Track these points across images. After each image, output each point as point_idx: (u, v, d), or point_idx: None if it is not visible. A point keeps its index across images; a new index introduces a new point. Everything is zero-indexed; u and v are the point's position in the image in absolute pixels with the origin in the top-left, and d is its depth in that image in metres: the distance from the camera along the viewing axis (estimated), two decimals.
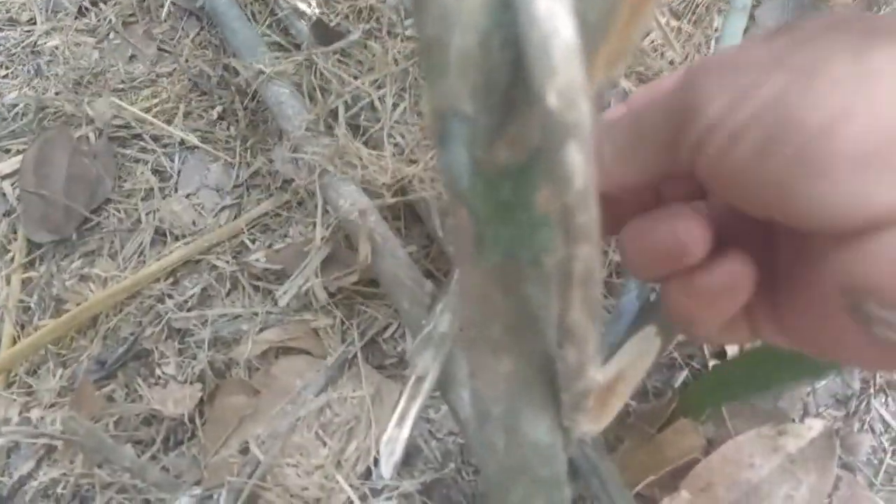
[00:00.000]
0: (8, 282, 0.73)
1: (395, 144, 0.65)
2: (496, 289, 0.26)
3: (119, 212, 0.77)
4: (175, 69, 0.87)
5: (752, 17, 0.78)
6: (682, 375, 0.62)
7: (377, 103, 0.67)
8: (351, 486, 0.58)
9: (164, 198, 0.78)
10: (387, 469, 0.52)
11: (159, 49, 0.90)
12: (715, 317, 0.26)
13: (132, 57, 0.90)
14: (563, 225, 0.21)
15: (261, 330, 0.67)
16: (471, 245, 0.26)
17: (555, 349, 0.26)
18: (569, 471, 0.49)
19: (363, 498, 0.58)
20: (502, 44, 0.20)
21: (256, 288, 0.71)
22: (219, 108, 0.82)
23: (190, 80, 0.85)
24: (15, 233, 0.76)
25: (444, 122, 0.22)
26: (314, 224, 0.70)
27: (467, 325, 0.31)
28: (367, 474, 0.60)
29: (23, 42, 0.92)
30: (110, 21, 0.92)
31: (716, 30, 0.75)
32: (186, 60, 0.86)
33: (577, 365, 0.26)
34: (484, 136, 0.22)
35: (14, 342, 0.69)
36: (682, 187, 0.28)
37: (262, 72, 0.70)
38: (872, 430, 0.60)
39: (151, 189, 0.78)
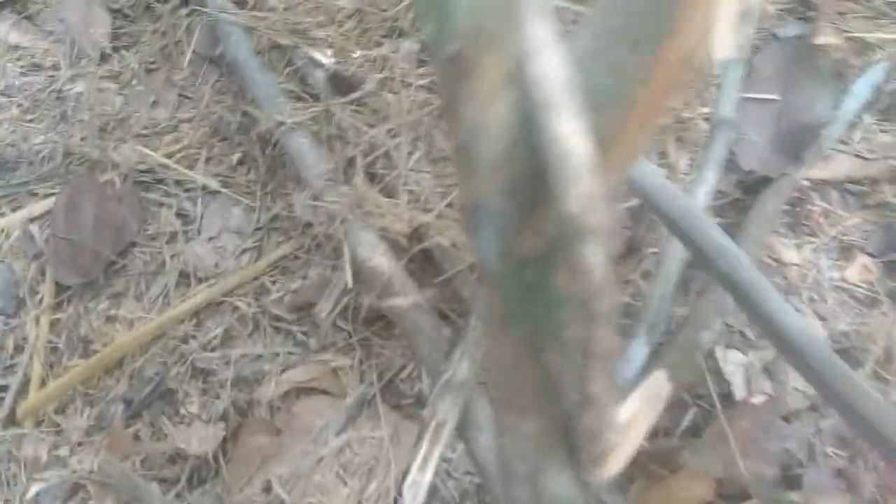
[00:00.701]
0: (37, 322, 0.76)
1: (411, 192, 0.68)
2: (522, 357, 0.28)
3: (144, 255, 0.80)
4: (196, 115, 0.90)
5: (751, 64, 0.81)
6: (691, 415, 0.64)
7: (392, 152, 0.70)
8: None
9: (187, 241, 0.80)
10: None
11: (180, 95, 0.93)
12: None
13: (154, 103, 0.93)
14: (584, 311, 0.23)
15: (282, 370, 0.70)
16: (499, 318, 0.28)
17: (576, 413, 0.29)
18: None
19: None
20: (527, 153, 0.22)
21: (277, 329, 0.73)
22: (239, 154, 0.85)
23: (211, 126, 0.88)
24: (43, 275, 0.79)
25: (475, 214, 0.25)
26: (332, 267, 0.73)
27: (495, 389, 0.34)
28: None
29: (48, 87, 0.96)
30: (133, 68, 0.96)
31: (717, 76, 0.78)
32: (207, 106, 0.90)
33: (596, 429, 0.28)
34: (510, 227, 0.24)
35: (43, 382, 0.72)
36: None
37: (282, 123, 0.73)
38: (876, 470, 0.62)
39: (175, 232, 0.81)
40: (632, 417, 0.50)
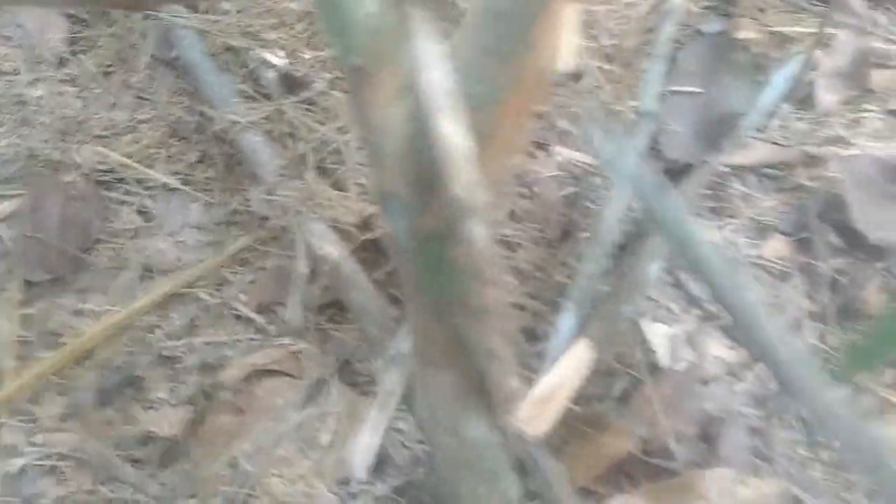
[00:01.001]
0: (9, 318, 0.80)
1: (360, 185, 0.73)
2: (434, 320, 0.33)
3: (108, 251, 0.84)
4: (153, 116, 0.94)
5: (675, 60, 0.87)
6: (622, 383, 0.70)
7: (342, 148, 0.75)
8: (331, 492, 0.66)
9: (149, 237, 0.84)
10: (361, 472, 0.60)
11: (138, 97, 0.97)
12: None
13: (113, 105, 0.96)
14: (476, 277, 0.29)
15: (244, 355, 0.75)
16: (413, 287, 0.33)
17: (482, 365, 0.34)
18: (517, 468, 0.57)
19: (342, 501, 0.65)
20: (421, 148, 0.28)
21: (238, 317, 0.78)
22: (197, 153, 0.89)
23: (168, 126, 0.92)
24: (12, 273, 0.83)
25: (385, 200, 0.30)
26: (288, 257, 0.77)
27: (417, 349, 0.39)
28: (346, 481, 0.67)
29: (8, 92, 0.99)
30: (90, 71, 0.99)
31: (644, 72, 0.84)
32: (164, 108, 0.94)
33: (499, 377, 0.33)
34: (414, 210, 0.30)
35: (16, 374, 0.76)
36: None
37: (236, 122, 0.78)
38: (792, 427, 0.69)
39: (138, 229, 0.85)
40: (557, 381, 0.56)
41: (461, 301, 0.31)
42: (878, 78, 0.89)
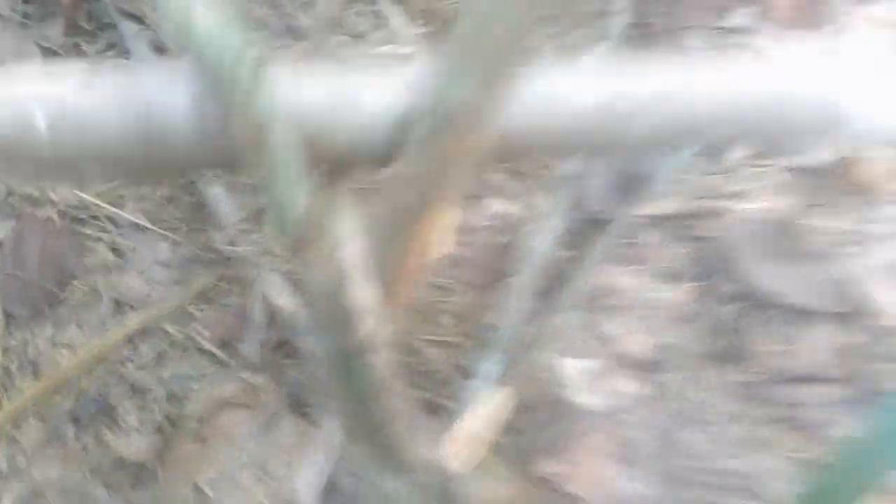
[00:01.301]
0: None
1: None
2: (350, 408, 0.43)
3: (83, 286, 0.92)
4: None
5: None
6: (544, 417, 0.81)
7: None
8: None
9: (121, 274, 0.93)
10: (310, 500, 0.69)
11: None
12: None
13: None
14: (378, 383, 0.38)
15: (207, 387, 0.83)
16: (332, 386, 0.43)
17: (392, 440, 0.44)
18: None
19: None
20: (341, 300, 0.37)
21: (202, 352, 0.87)
22: (165, 194, 0.97)
23: None
24: None
25: (314, 327, 0.39)
26: (248, 298, 0.86)
27: (342, 425, 0.49)
28: None
29: None
30: None
31: None
32: None
33: (400, 432, 0.43)
34: (336, 339, 0.39)
35: (0, 404, 0.84)
36: None
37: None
38: None
39: (110, 266, 0.93)
40: (483, 417, 0.66)
41: (369, 397, 0.40)
42: None
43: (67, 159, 0.36)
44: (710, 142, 0.44)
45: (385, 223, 0.36)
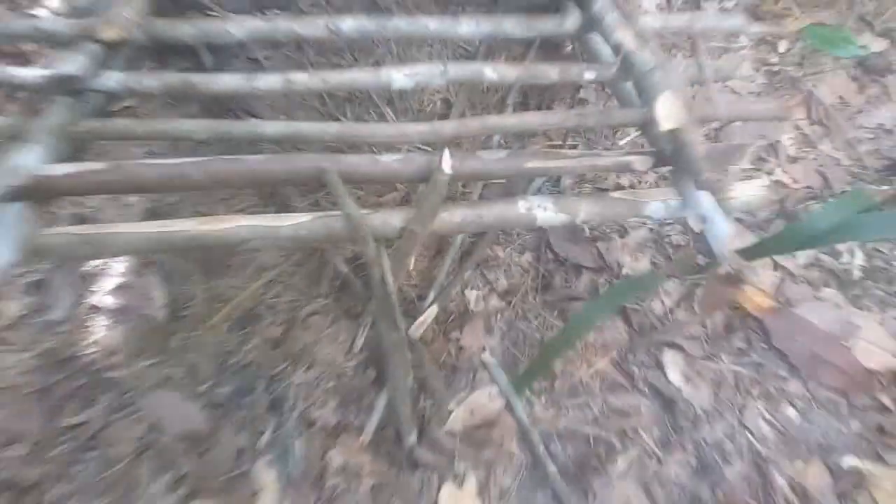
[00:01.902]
0: None
1: None
2: (378, 302, 1.40)
3: None
4: None
5: None
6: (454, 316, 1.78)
7: None
8: None
9: None
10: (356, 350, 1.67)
11: None
12: None
13: None
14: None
15: (305, 306, 1.80)
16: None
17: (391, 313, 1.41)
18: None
19: None
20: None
21: (300, 290, 1.82)
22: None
23: None
24: None
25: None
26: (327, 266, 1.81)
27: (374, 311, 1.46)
28: None
29: None
30: None
31: None
32: None
33: (397, 317, 1.41)
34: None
35: None
36: None
37: None
38: None
39: None
40: (427, 315, 1.64)
41: (386, 303, 1.37)
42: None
43: None
44: None
45: (398, 246, 1.29)
